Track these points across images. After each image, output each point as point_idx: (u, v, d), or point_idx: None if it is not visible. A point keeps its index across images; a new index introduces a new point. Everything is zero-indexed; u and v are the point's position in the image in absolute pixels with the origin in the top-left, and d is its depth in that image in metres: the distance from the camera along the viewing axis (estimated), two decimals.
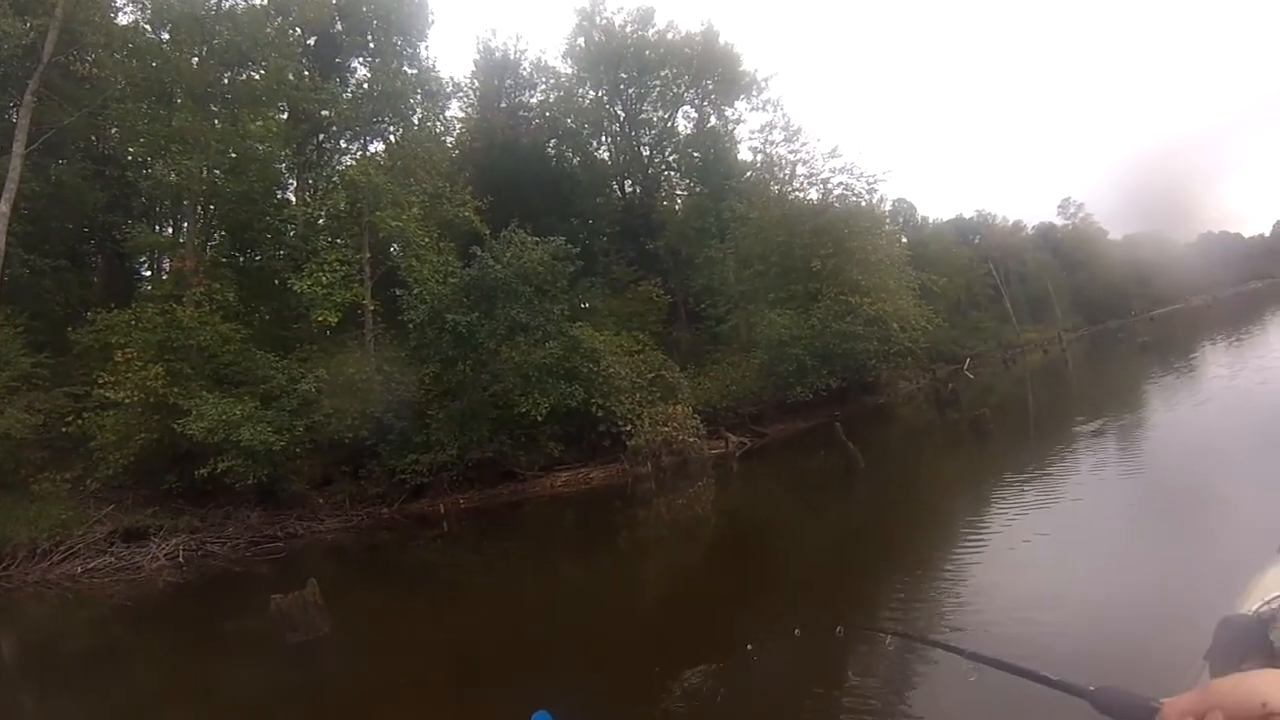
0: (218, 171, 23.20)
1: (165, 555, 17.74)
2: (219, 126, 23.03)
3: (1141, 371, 25.93)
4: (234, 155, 23.04)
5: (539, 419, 22.59)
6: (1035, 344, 57.98)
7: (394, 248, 26.24)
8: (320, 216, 24.48)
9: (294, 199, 26.49)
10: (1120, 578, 5.99)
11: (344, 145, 27.83)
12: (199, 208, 24.13)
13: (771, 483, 20.47)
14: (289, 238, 24.18)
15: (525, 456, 23.19)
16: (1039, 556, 7.30)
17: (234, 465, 18.86)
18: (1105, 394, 23.82)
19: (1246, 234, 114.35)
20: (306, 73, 25.54)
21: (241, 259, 25.15)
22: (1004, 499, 10.59)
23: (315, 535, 19.71)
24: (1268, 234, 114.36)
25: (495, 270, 23.02)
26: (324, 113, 26.05)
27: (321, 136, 26.90)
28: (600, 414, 23.51)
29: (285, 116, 25.21)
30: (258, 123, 23.04)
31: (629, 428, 23.69)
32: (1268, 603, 2.10)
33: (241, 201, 23.57)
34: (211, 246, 25.00)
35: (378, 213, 23.52)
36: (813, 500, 15.24)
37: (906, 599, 6.93)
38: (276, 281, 24.12)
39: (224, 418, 18.80)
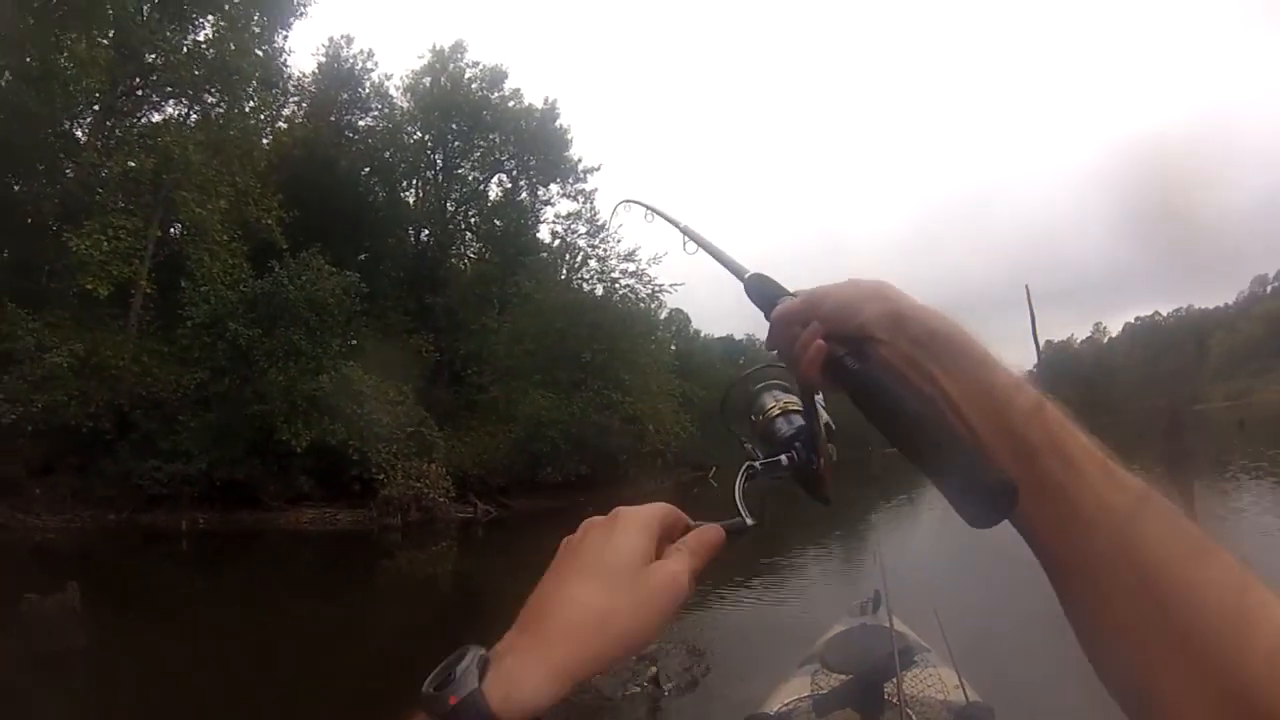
0: (9, 74, 20.26)
1: None
2: (30, 24, 19.97)
3: (868, 499, 29.31)
4: (35, 64, 20.10)
5: (298, 450, 21.78)
6: None
7: (174, 230, 24.12)
8: (105, 169, 21.92)
9: (82, 137, 23.31)
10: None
11: (156, 99, 24.95)
12: None
13: (517, 554, 20.99)
14: (68, 179, 21.40)
15: (274, 486, 22.08)
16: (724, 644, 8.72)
17: None
18: (832, 515, 26.86)
19: None
20: (147, 6, 23.05)
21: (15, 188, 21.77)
22: (734, 599, 11.82)
23: (26, 531, 17.20)
24: None
25: (289, 290, 22.29)
26: (151, 58, 23.39)
27: (138, 80, 24.11)
28: (356, 457, 23.10)
29: (107, 43, 22.04)
30: (82, 45, 20.22)
31: (382, 476, 23.51)
32: (786, 705, 2.64)
33: (25, 121, 20.31)
34: None
35: (183, 192, 21.69)
36: None
37: None
38: (30, 221, 21.16)
39: None
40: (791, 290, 0.76)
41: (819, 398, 0.75)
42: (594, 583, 0.57)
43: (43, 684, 7.81)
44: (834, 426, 0.77)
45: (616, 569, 0.58)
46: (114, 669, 8.54)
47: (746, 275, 0.82)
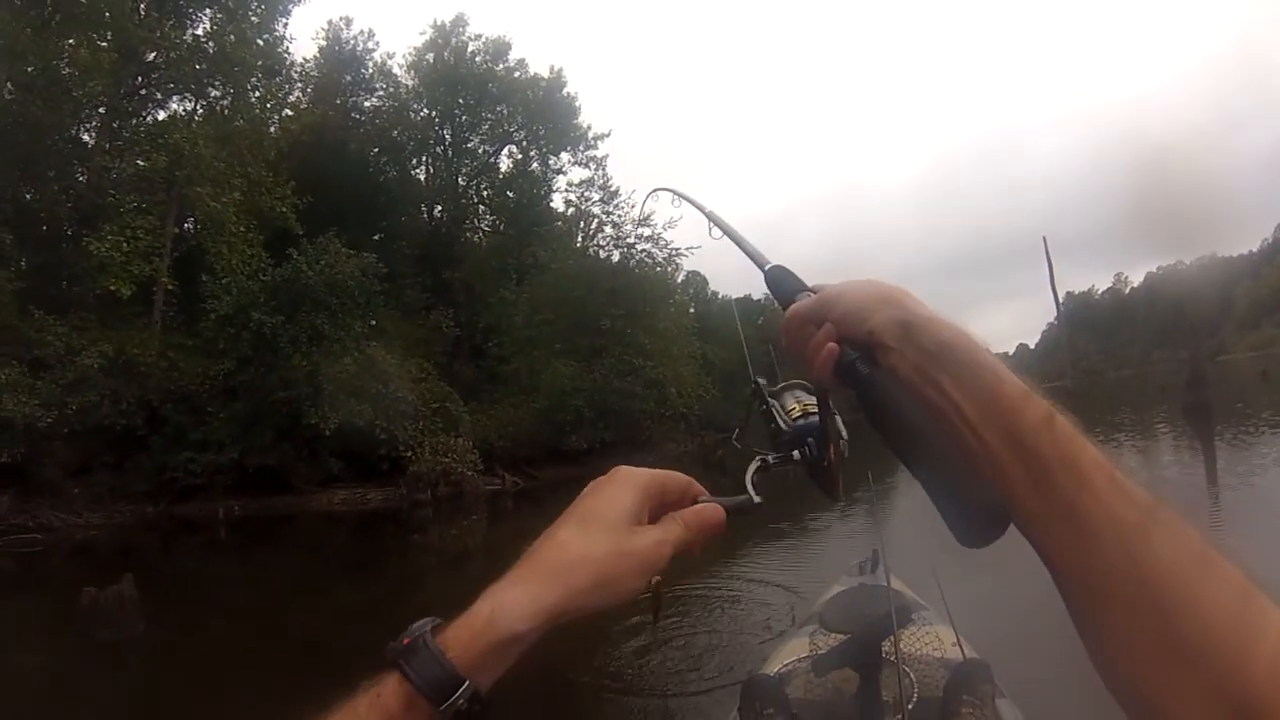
0: (10, 85, 20.39)
1: None
2: (29, 34, 20.05)
3: (884, 464, 29.51)
4: (32, 71, 20.31)
5: (327, 433, 22.21)
6: None
7: (189, 225, 24.50)
8: (114, 171, 22.26)
9: (89, 140, 23.65)
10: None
11: (160, 97, 25.15)
12: None
13: (545, 523, 20.91)
14: (80, 184, 21.79)
15: (305, 469, 22.62)
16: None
17: None
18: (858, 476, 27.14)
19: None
20: (143, 5, 23.16)
21: (26, 196, 22.02)
22: (735, 562, 11.97)
23: (69, 530, 17.86)
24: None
25: (308, 276, 22.59)
26: (151, 56, 23.60)
27: (140, 80, 24.28)
28: (384, 437, 23.47)
29: (106, 45, 22.03)
30: (84, 49, 20.44)
31: (410, 454, 23.91)
32: (786, 666, 2.69)
33: (32, 129, 20.66)
34: None
35: (196, 188, 21.98)
36: None
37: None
38: (45, 228, 21.56)
39: None
40: (810, 285, 0.79)
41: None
42: (577, 528, 0.62)
43: (110, 671, 8.22)
44: (844, 435, 0.80)
45: (600, 518, 0.62)
46: (173, 653, 8.90)
47: (767, 267, 0.86)
